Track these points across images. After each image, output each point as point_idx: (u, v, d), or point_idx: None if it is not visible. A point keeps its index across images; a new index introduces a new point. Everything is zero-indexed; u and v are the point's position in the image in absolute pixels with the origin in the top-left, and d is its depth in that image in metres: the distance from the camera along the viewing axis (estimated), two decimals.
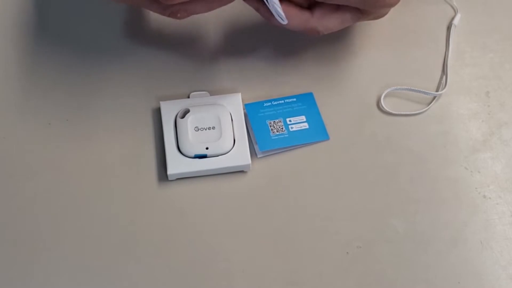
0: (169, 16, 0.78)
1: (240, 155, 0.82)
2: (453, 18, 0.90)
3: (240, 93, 0.84)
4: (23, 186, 0.81)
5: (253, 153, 0.83)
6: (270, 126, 0.83)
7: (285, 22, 0.78)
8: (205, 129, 0.82)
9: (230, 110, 0.83)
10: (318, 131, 0.84)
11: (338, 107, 0.85)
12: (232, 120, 0.83)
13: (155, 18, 0.89)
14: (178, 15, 0.78)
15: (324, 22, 0.79)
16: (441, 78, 0.87)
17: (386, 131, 0.84)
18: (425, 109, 0.85)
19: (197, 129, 0.82)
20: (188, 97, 0.85)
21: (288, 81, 0.86)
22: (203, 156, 0.81)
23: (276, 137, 0.83)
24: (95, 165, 0.82)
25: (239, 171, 0.82)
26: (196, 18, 0.88)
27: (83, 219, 0.80)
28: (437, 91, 0.86)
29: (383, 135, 0.84)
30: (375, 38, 0.88)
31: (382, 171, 0.82)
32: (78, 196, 0.80)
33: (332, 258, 0.79)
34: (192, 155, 0.81)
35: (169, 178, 0.81)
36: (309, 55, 0.87)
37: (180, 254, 0.79)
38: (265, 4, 0.78)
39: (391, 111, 0.85)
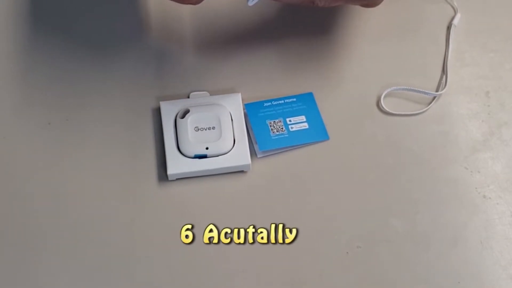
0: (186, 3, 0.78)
1: (240, 155, 0.82)
2: (453, 18, 0.90)
3: (240, 93, 0.84)
4: (23, 186, 0.81)
5: (253, 153, 0.83)
6: (270, 126, 0.83)
7: None
8: (205, 129, 0.82)
9: (230, 110, 0.83)
10: (318, 131, 0.84)
11: (338, 107, 0.85)
12: (232, 120, 0.83)
13: (156, 18, 0.89)
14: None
15: None
16: (441, 78, 0.87)
17: (386, 131, 0.84)
18: (425, 109, 0.85)
19: (197, 129, 0.82)
20: (188, 97, 0.85)
21: (288, 81, 0.86)
22: (203, 156, 0.81)
23: (276, 137, 0.83)
24: (95, 165, 0.82)
25: (239, 171, 0.82)
26: (197, 18, 0.88)
27: (83, 219, 0.80)
28: (437, 91, 0.86)
29: (383, 135, 0.84)
30: (375, 38, 0.88)
31: (382, 171, 0.82)
32: (78, 196, 0.80)
33: (332, 258, 0.79)
34: (192, 155, 0.81)
35: (169, 178, 0.81)
36: (309, 55, 0.87)
37: (180, 254, 0.78)
38: None
39: (391, 111, 0.85)
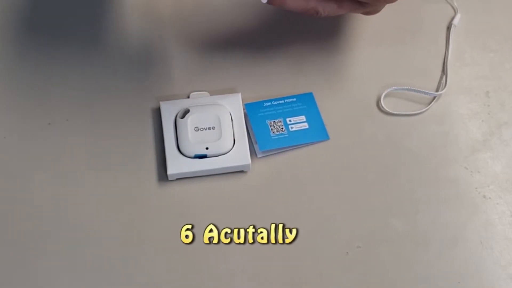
0: None
1: (240, 155, 0.82)
2: (453, 18, 0.90)
3: (240, 93, 0.84)
4: (23, 186, 0.81)
5: (253, 153, 0.83)
6: (270, 126, 0.83)
7: None
8: (205, 129, 0.82)
9: (230, 110, 0.83)
10: (318, 131, 0.84)
11: (338, 107, 0.85)
12: (232, 120, 0.83)
13: (156, 18, 0.89)
14: None
15: (324, 4, 0.79)
16: (441, 78, 0.87)
17: (386, 131, 0.84)
18: (425, 109, 0.85)
19: (197, 129, 0.82)
20: (188, 97, 0.85)
21: (288, 81, 0.86)
22: (203, 156, 0.81)
23: (276, 137, 0.83)
24: (95, 165, 0.82)
25: (239, 171, 0.82)
26: (197, 18, 0.88)
27: (83, 219, 0.80)
28: (437, 91, 0.86)
29: (383, 135, 0.84)
30: (375, 38, 0.88)
31: (382, 171, 0.82)
32: (78, 196, 0.80)
33: (332, 258, 0.79)
34: (192, 155, 0.81)
35: (169, 178, 0.81)
36: (309, 55, 0.87)
37: (180, 254, 0.78)
38: None
39: (391, 111, 0.85)
